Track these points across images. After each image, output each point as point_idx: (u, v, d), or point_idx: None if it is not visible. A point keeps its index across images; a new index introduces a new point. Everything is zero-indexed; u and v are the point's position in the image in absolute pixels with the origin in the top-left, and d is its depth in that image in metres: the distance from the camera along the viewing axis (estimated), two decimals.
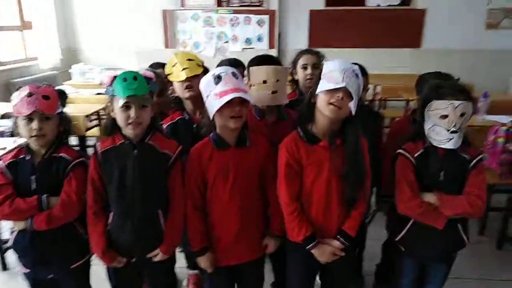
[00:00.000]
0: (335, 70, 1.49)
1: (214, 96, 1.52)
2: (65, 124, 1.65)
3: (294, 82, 2.35)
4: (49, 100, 1.54)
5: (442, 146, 1.53)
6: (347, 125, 1.53)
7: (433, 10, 5.94)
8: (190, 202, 1.64)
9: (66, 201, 1.56)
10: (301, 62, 2.23)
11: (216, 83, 1.54)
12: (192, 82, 1.88)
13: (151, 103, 1.56)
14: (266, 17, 6.12)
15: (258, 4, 6.09)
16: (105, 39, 6.38)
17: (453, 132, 1.49)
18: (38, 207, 1.55)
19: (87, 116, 3.47)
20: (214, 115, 1.56)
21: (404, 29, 6.10)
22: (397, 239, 1.69)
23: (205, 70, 1.96)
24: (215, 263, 1.69)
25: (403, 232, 1.67)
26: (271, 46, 6.24)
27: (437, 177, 1.57)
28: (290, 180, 1.59)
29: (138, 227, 1.58)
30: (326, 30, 6.22)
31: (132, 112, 1.48)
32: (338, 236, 1.59)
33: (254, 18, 6.13)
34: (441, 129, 1.51)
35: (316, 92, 1.52)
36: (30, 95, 1.51)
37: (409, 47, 6.15)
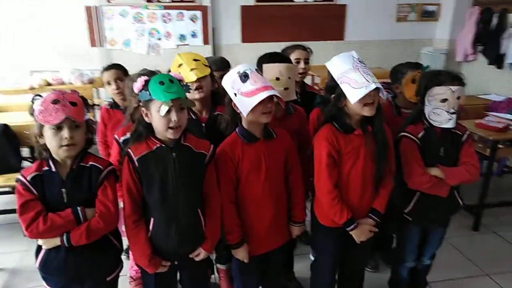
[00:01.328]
0: (354, 72, 1.61)
1: (245, 94, 1.59)
2: (92, 132, 1.56)
3: None
4: (77, 106, 1.46)
5: (443, 126, 1.80)
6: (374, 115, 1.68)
7: (352, 5, 6.51)
8: (226, 197, 1.69)
9: (105, 211, 1.50)
10: (293, 56, 2.36)
11: (244, 81, 1.61)
12: (201, 83, 1.90)
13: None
14: (199, 13, 6.09)
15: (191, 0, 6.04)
16: (25, 40, 5.75)
17: (452, 113, 1.77)
18: (75, 221, 1.46)
19: None
20: (241, 112, 1.62)
21: (329, 23, 6.58)
22: (406, 211, 1.94)
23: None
24: (249, 253, 1.77)
25: (411, 205, 1.92)
26: (205, 42, 6.24)
27: (438, 153, 1.85)
28: (332, 169, 1.72)
29: (182, 230, 1.59)
30: (257, 25, 6.42)
31: (173, 116, 1.48)
32: (370, 214, 1.78)
33: (187, 13, 6.06)
34: (441, 111, 1.78)
35: (348, 98, 1.63)
36: (56, 102, 1.42)
37: (333, 40, 6.67)
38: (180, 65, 1.93)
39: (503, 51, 5.90)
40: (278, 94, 1.60)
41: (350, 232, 1.77)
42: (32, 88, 4.40)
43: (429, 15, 6.82)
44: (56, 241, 1.47)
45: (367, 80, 1.59)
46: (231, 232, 1.72)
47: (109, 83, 2.44)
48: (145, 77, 1.54)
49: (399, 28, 6.73)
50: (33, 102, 1.51)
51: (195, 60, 1.94)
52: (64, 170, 1.50)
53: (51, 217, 1.44)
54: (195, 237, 1.65)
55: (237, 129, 1.70)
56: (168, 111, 1.47)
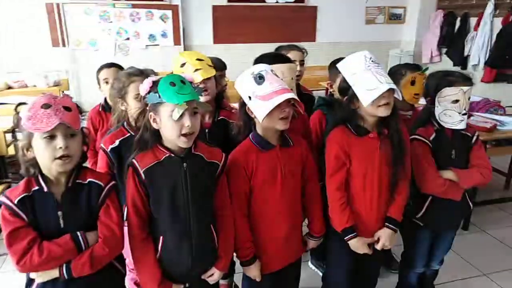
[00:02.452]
0: (366, 73, 1.54)
1: (260, 97, 1.46)
2: (87, 144, 1.36)
3: None
4: (71, 112, 1.26)
5: (455, 128, 1.76)
6: (389, 116, 1.60)
7: (323, 7, 6.55)
8: (238, 210, 1.55)
9: (109, 235, 1.30)
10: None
11: (259, 83, 1.48)
12: (206, 84, 1.75)
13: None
14: (169, 12, 5.86)
15: None
16: None
17: (464, 114, 1.73)
18: (76, 249, 1.27)
19: (6, 131, 2.83)
20: (255, 117, 1.50)
21: (301, 24, 6.57)
22: (417, 216, 1.89)
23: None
24: (262, 270, 1.64)
25: (423, 210, 1.87)
26: (176, 42, 6.02)
27: (450, 156, 1.81)
28: (339, 171, 1.64)
29: (196, 249, 1.43)
30: (229, 26, 6.28)
31: (186, 121, 1.32)
32: (387, 224, 1.70)
33: (157, 13, 5.82)
34: (453, 112, 1.74)
35: (360, 100, 1.56)
36: (47, 106, 1.21)
37: (306, 41, 6.65)
38: (183, 65, 1.76)
39: (466, 53, 6.16)
40: (296, 97, 1.48)
41: (348, 242, 1.69)
42: None
43: (396, 18, 7.00)
44: (53, 273, 1.26)
45: (380, 81, 1.52)
46: (243, 248, 1.58)
47: (107, 82, 2.24)
48: (152, 78, 1.37)
49: (368, 30, 6.85)
50: (17, 110, 1.30)
51: (199, 59, 1.78)
52: (58, 190, 1.29)
53: (47, 246, 1.23)
54: (209, 256, 1.49)
55: (250, 136, 1.57)
56: (181, 116, 1.31)
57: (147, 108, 1.38)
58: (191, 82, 1.40)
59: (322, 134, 1.96)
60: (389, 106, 1.56)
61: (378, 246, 1.73)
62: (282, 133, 1.57)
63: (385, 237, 1.71)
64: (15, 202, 1.23)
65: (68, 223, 1.28)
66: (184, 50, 6.10)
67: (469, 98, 1.74)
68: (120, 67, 2.32)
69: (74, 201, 1.30)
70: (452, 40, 6.33)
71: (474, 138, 1.85)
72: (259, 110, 1.47)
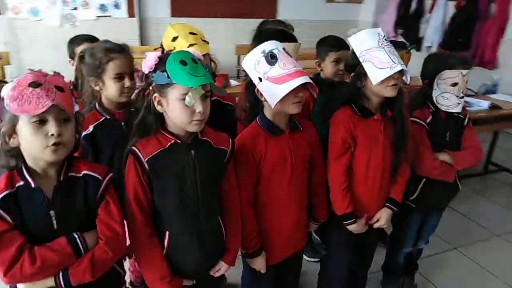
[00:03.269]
0: (379, 50, 1.48)
1: (273, 79, 1.34)
2: (80, 131, 1.17)
3: None
4: (64, 93, 1.06)
5: (451, 111, 1.77)
6: (394, 98, 1.57)
7: None
8: (246, 199, 1.44)
9: (111, 236, 1.14)
10: None
11: (270, 63, 1.36)
12: (202, 61, 1.58)
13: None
14: None
15: None
16: None
17: (461, 97, 1.74)
18: (74, 253, 1.09)
19: None
20: (265, 100, 1.38)
21: (262, 0, 6.39)
22: (411, 199, 1.90)
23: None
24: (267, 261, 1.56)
25: (416, 192, 1.88)
26: (130, 14, 5.57)
27: (444, 138, 1.83)
28: (344, 154, 1.60)
29: (204, 242, 1.31)
30: None
31: (198, 107, 1.16)
32: (388, 204, 1.69)
33: None
34: (451, 95, 1.74)
35: (370, 77, 1.51)
36: (36, 85, 1.01)
37: (266, 18, 6.49)
38: (174, 39, 1.59)
39: (421, 35, 6.37)
40: (311, 81, 1.38)
41: (347, 226, 1.68)
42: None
43: None
44: (47, 283, 1.08)
45: (393, 61, 1.47)
46: (249, 239, 1.48)
47: None
48: (157, 53, 1.20)
49: (328, 8, 6.83)
50: None
51: (192, 33, 1.61)
52: (48, 185, 1.09)
53: (40, 252, 1.05)
54: (218, 249, 1.38)
55: (258, 120, 1.45)
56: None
57: (151, 88, 1.21)
58: (199, 60, 1.24)
59: (309, 116, 1.88)
60: (396, 87, 1.53)
61: (376, 225, 1.74)
62: (291, 117, 1.47)
63: (385, 218, 1.72)
64: None
65: (62, 224, 1.11)
66: (140, 23, 5.70)
67: (467, 82, 1.75)
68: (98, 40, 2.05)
69: (68, 198, 1.12)
70: (408, 22, 6.50)
71: (466, 120, 1.88)
72: (272, 94, 1.35)
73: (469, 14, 5.57)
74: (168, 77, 1.14)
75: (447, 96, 1.75)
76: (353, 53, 1.57)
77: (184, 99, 1.14)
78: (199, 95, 1.13)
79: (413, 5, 6.48)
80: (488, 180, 3.62)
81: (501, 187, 3.56)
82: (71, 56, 2.03)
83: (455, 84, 1.73)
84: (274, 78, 1.33)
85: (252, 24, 7.34)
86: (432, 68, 1.79)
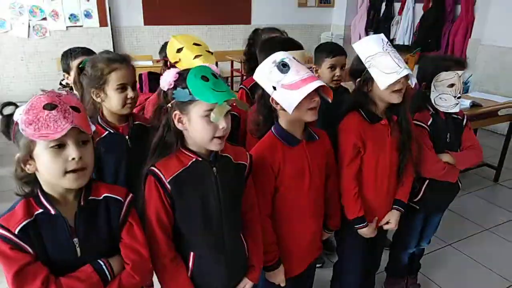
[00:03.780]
0: (384, 55, 1.51)
1: (288, 87, 1.32)
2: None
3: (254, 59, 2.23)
4: (80, 113, 1.01)
5: (450, 111, 1.81)
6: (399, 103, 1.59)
7: None
8: (263, 211, 1.42)
9: (137, 259, 1.09)
10: None
11: (283, 72, 1.34)
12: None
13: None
14: None
15: None
16: None
17: (459, 97, 1.79)
18: (101, 282, 1.03)
19: None
20: (280, 109, 1.37)
21: (236, 7, 6.39)
22: (415, 200, 1.93)
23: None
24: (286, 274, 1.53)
25: (420, 194, 1.92)
26: (102, 23, 5.44)
27: (445, 140, 1.87)
28: (355, 160, 1.62)
29: (230, 260, 1.27)
30: (161, 7, 5.85)
31: (222, 122, 1.13)
32: (396, 206, 1.73)
33: None
34: (449, 96, 1.78)
35: (376, 83, 1.53)
36: (52, 107, 0.95)
37: (241, 24, 6.50)
38: (179, 50, 1.55)
39: (392, 37, 6.56)
40: (325, 84, 1.37)
41: (359, 230, 1.70)
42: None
43: (326, 1, 7.16)
44: None
45: (399, 66, 1.50)
46: (269, 252, 1.45)
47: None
48: (176, 69, 1.16)
49: (300, 13, 6.93)
50: (3, 113, 1.01)
51: (196, 44, 1.58)
52: (68, 211, 1.03)
53: (67, 283, 0.98)
54: (243, 267, 1.34)
55: (273, 129, 1.42)
56: None
57: (170, 105, 1.16)
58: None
59: None
60: (401, 93, 1.55)
61: (387, 227, 1.78)
62: (306, 127, 1.46)
63: (394, 220, 1.75)
64: (16, 232, 0.96)
65: (86, 251, 1.05)
66: (112, 32, 5.55)
67: (462, 82, 1.80)
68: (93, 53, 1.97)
69: (90, 224, 1.06)
70: (378, 24, 6.70)
71: (465, 121, 1.93)
72: (287, 100, 1.32)
73: (437, 16, 5.80)
74: (190, 93, 1.10)
75: (445, 97, 1.80)
76: (358, 58, 1.59)
77: (207, 115, 1.11)
78: (225, 111, 1.10)
79: (383, 7, 6.70)
80: (469, 176, 3.75)
81: (483, 182, 3.70)
82: (66, 71, 1.93)
83: (452, 85, 1.77)
84: (289, 85, 1.32)
85: (227, 30, 7.41)
86: (429, 71, 1.83)
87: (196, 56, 1.55)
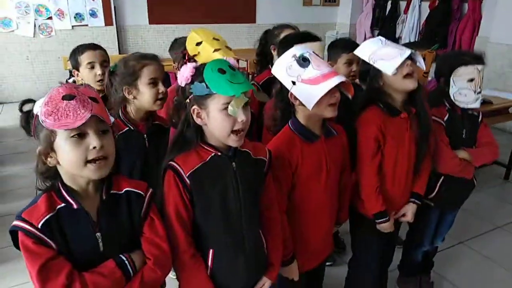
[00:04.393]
0: (383, 48, 1.54)
1: (308, 81, 1.30)
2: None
3: (266, 58, 2.22)
4: (99, 103, 1.00)
5: (470, 106, 1.79)
6: (415, 93, 1.59)
7: None
8: (280, 208, 1.40)
9: (159, 254, 1.08)
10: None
11: (303, 66, 1.33)
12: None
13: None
14: None
15: None
16: None
17: (479, 92, 1.77)
18: (124, 277, 1.02)
19: None
20: (299, 104, 1.35)
21: (241, 5, 6.37)
22: (430, 197, 1.91)
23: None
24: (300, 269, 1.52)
25: (435, 191, 1.89)
26: (107, 22, 5.44)
27: (461, 136, 1.85)
28: (377, 154, 1.61)
29: (249, 257, 1.25)
30: (165, 5, 5.85)
31: (241, 115, 1.11)
32: (413, 199, 1.72)
33: None
34: (469, 91, 1.76)
35: (384, 74, 1.53)
36: (71, 97, 0.94)
37: (246, 23, 6.49)
38: (199, 44, 1.55)
39: (398, 35, 6.54)
40: (347, 79, 1.35)
41: (380, 225, 1.68)
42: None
43: (330, 0, 7.14)
44: None
45: (400, 50, 1.53)
46: (284, 247, 1.43)
47: (92, 67, 1.88)
48: (193, 64, 1.14)
49: (306, 12, 6.91)
50: (23, 109, 1.00)
51: (215, 39, 1.57)
52: (91, 205, 1.02)
53: (91, 279, 0.97)
54: (262, 265, 1.32)
55: (290, 125, 1.41)
56: None
57: (188, 100, 1.14)
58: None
59: None
60: (414, 77, 1.54)
61: (403, 219, 1.77)
62: (324, 122, 1.44)
63: (411, 212, 1.75)
64: (39, 226, 0.94)
65: (108, 245, 1.03)
66: (117, 31, 5.55)
67: (482, 77, 1.78)
68: (104, 49, 1.98)
69: (113, 218, 1.05)
70: (384, 23, 6.67)
71: (480, 117, 1.91)
72: (307, 96, 1.31)
73: (444, 14, 5.76)
74: (207, 87, 1.09)
75: (465, 93, 1.77)
76: (363, 61, 1.63)
77: (226, 108, 1.09)
78: (242, 103, 1.08)
79: (388, 6, 6.67)
80: (479, 174, 3.71)
81: (493, 180, 3.67)
82: (75, 67, 1.93)
83: (471, 80, 1.75)
84: (309, 80, 1.30)
85: (232, 29, 7.42)
86: (447, 66, 1.81)
87: (215, 50, 1.55)
